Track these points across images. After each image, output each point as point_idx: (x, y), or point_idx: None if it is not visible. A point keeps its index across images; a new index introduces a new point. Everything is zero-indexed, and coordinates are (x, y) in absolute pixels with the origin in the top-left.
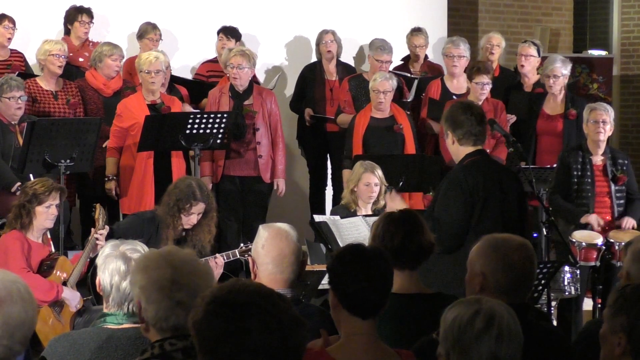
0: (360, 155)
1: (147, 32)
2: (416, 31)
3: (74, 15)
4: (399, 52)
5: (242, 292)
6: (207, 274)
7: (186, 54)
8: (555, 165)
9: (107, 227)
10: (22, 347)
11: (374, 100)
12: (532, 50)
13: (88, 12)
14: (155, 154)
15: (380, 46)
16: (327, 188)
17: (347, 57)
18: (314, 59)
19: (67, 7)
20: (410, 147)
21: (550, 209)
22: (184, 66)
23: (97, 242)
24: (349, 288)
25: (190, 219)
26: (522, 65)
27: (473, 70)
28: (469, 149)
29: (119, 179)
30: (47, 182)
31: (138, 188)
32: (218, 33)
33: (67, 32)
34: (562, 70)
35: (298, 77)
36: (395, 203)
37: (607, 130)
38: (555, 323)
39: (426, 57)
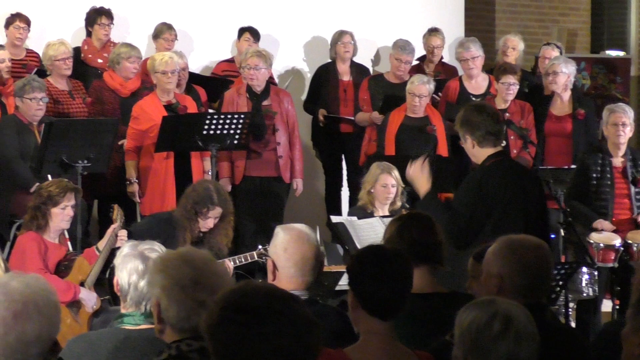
0: (375, 156)
1: (162, 32)
2: (433, 31)
3: (94, 17)
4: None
5: (256, 296)
6: (226, 275)
7: (203, 54)
8: (571, 166)
9: (123, 231)
10: (40, 359)
11: (409, 102)
12: (555, 53)
13: (107, 14)
14: (175, 154)
15: (401, 46)
16: (342, 189)
17: (363, 58)
18: (328, 59)
19: (84, 6)
20: (443, 149)
21: (567, 211)
22: (200, 66)
23: (117, 243)
24: (368, 288)
25: (207, 223)
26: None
27: (500, 70)
28: (490, 150)
29: (139, 181)
30: (61, 183)
31: (159, 189)
32: (242, 33)
33: (89, 34)
34: (563, 68)
35: (312, 78)
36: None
37: (627, 132)
38: (573, 324)
39: (441, 57)
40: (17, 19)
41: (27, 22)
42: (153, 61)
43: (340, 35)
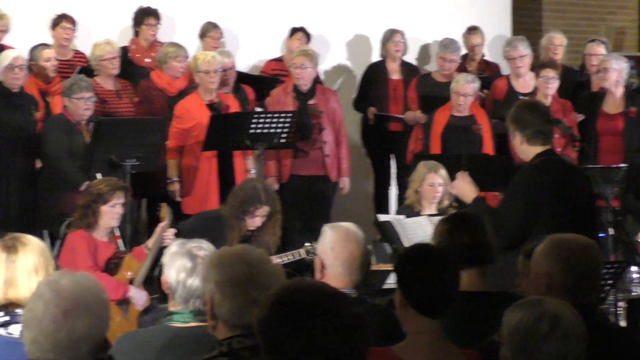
0: (422, 155)
1: (208, 31)
2: (472, 30)
3: (141, 18)
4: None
5: (306, 293)
6: (279, 274)
7: (250, 53)
8: (621, 165)
9: (171, 229)
10: (91, 357)
11: (454, 101)
12: (601, 49)
13: (155, 14)
14: (219, 153)
15: (445, 44)
16: (390, 188)
17: (409, 57)
18: (377, 58)
19: (131, 6)
20: (488, 148)
21: (621, 208)
22: (248, 65)
23: (165, 241)
24: (416, 287)
25: (254, 221)
26: (593, 65)
27: (539, 65)
28: (538, 148)
29: (181, 180)
30: (111, 182)
31: (202, 188)
32: (294, 32)
33: (136, 34)
34: (614, 64)
35: (362, 77)
36: (463, 184)
37: None
38: (623, 324)
39: (483, 55)
40: (63, 20)
41: (74, 22)
42: (196, 60)
43: (391, 34)
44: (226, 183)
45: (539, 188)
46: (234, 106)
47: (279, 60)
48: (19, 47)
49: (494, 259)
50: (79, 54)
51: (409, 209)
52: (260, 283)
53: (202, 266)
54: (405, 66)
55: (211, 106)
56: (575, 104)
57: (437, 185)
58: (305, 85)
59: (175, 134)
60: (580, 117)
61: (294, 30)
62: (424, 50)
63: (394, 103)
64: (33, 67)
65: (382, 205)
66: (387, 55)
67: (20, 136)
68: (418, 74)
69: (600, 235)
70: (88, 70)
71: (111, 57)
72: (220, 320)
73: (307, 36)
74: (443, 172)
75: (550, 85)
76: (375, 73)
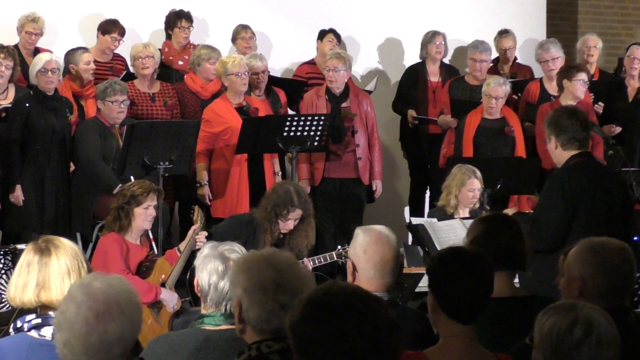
0: (454, 158)
1: (239, 33)
2: (504, 33)
3: (174, 20)
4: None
5: (339, 295)
6: (308, 277)
7: (284, 56)
8: None
9: (203, 232)
10: (122, 359)
11: (485, 104)
12: None
13: (187, 17)
14: (249, 157)
15: (474, 45)
16: (427, 191)
17: (445, 60)
18: (412, 61)
19: (164, 9)
20: (521, 150)
21: None
22: (280, 69)
23: (197, 244)
24: (448, 291)
25: (287, 224)
26: (634, 67)
27: (571, 69)
28: (572, 152)
29: (210, 184)
30: (144, 184)
31: (233, 192)
32: (324, 34)
33: (169, 37)
34: None
35: (401, 78)
36: None
37: None
38: None
39: (515, 58)
40: (115, 31)
41: (123, 34)
42: (224, 64)
43: (432, 36)
44: (256, 187)
45: (575, 189)
46: (262, 109)
47: (311, 63)
48: (54, 50)
49: (525, 266)
50: (117, 56)
51: (440, 212)
52: (288, 288)
53: (230, 271)
54: (445, 68)
55: (240, 109)
56: (612, 115)
57: (476, 191)
58: (338, 88)
59: (203, 138)
60: (618, 129)
61: (324, 32)
62: (460, 54)
63: (434, 105)
64: (72, 70)
65: (418, 209)
66: (427, 57)
67: (55, 139)
68: (458, 76)
69: (634, 238)
70: (131, 75)
71: (142, 56)
72: (249, 325)
73: (338, 37)
74: (479, 174)
75: (585, 88)
76: (414, 75)
